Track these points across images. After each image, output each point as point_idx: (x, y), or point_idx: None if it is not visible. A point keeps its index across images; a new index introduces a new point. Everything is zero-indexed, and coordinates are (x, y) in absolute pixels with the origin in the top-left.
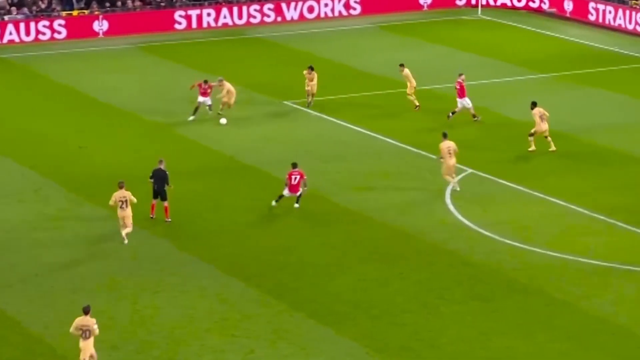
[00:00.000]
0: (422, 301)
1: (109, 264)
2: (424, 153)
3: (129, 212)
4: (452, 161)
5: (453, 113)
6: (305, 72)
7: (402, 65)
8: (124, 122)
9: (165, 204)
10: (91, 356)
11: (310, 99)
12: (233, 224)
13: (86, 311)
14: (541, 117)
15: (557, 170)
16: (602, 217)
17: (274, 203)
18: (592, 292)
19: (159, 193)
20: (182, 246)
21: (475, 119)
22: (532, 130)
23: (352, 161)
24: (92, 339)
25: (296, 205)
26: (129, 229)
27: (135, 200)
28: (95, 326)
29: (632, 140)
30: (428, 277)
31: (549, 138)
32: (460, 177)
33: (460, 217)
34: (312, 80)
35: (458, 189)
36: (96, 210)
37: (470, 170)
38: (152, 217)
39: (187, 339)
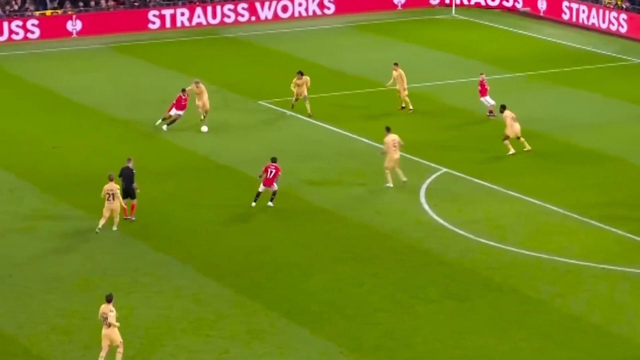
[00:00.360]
0: (397, 300)
1: (84, 264)
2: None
3: (116, 204)
4: (397, 155)
5: (490, 112)
6: (295, 79)
7: (396, 64)
8: (98, 122)
9: (134, 202)
10: (116, 345)
11: (294, 102)
12: (208, 224)
13: (108, 299)
14: (513, 119)
15: (532, 170)
16: (576, 216)
17: (253, 204)
18: (566, 290)
19: (127, 192)
20: (156, 246)
21: (489, 115)
22: (505, 134)
23: (326, 160)
24: (113, 328)
25: (270, 204)
26: (116, 220)
27: (120, 194)
28: (112, 314)
29: (606, 139)
30: (402, 277)
31: (522, 138)
32: (434, 176)
33: (434, 216)
34: (301, 86)
35: (404, 179)
36: (70, 210)
37: (444, 170)
38: (125, 218)
39: (161, 339)
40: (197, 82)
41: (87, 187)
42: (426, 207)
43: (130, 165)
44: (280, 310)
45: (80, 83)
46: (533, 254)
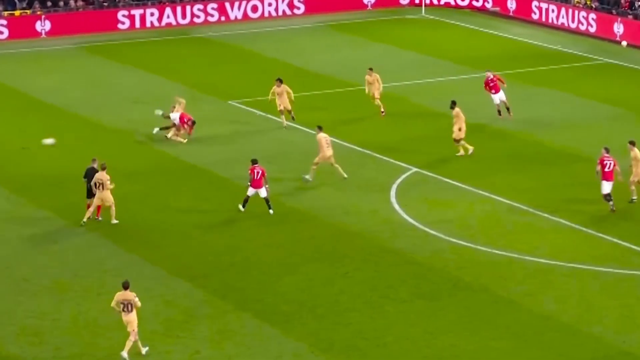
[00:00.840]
0: (367, 300)
1: (53, 265)
2: (368, 152)
3: (106, 194)
4: (330, 152)
5: (508, 109)
6: (274, 87)
7: (371, 69)
8: (67, 122)
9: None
10: (132, 330)
11: (284, 117)
12: (178, 225)
13: (125, 286)
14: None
15: (502, 169)
16: (546, 215)
17: (241, 208)
18: (536, 290)
19: (91, 191)
20: (126, 247)
21: (511, 114)
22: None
23: (297, 160)
24: (134, 312)
25: (270, 211)
26: (113, 211)
27: (109, 184)
28: (136, 299)
29: (576, 139)
30: (373, 276)
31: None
32: (404, 175)
33: (405, 215)
34: (281, 94)
35: (309, 177)
36: (39, 212)
37: (414, 169)
38: (85, 220)
39: None
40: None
41: (57, 188)
42: (396, 206)
43: (96, 165)
44: (251, 310)
45: (50, 83)
46: (503, 253)
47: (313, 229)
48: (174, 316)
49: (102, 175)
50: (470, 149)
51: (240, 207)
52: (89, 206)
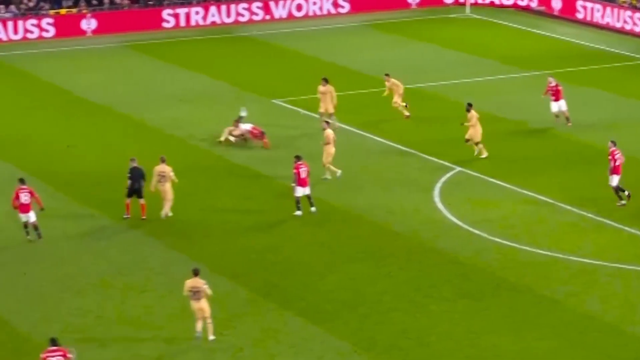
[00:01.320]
0: (410, 299)
1: (97, 263)
2: (411, 151)
3: (167, 187)
4: (333, 149)
5: (567, 118)
6: (319, 86)
7: (387, 75)
8: (111, 120)
9: (142, 201)
10: (207, 316)
11: (330, 119)
12: (221, 223)
13: (196, 273)
14: (478, 120)
15: (546, 169)
16: (590, 215)
17: (298, 212)
18: (580, 290)
19: (137, 191)
20: (170, 245)
21: (569, 123)
22: (468, 136)
23: (340, 159)
24: (204, 300)
25: (313, 209)
26: (168, 203)
27: (174, 177)
28: (206, 286)
29: (620, 138)
30: (416, 276)
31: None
32: (448, 175)
33: (448, 215)
34: (325, 94)
35: (330, 177)
36: (84, 209)
37: (458, 169)
38: (127, 217)
39: (175, 338)
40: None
41: (101, 186)
42: (440, 206)
43: (136, 164)
44: (294, 309)
45: (95, 82)
46: (547, 253)
47: (356, 228)
48: (217, 314)
49: (164, 168)
50: (485, 153)
51: (297, 212)
52: (127, 206)
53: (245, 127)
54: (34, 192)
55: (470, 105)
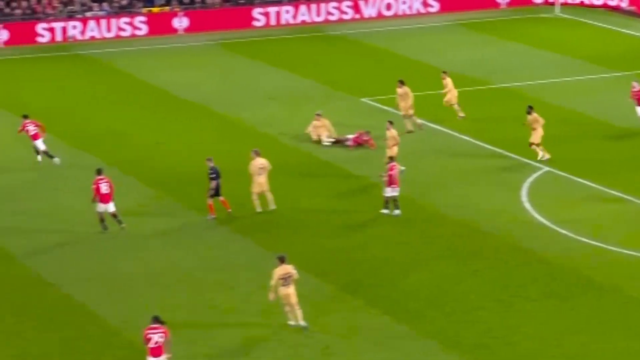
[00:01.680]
0: (497, 298)
1: (186, 259)
2: (499, 150)
3: (264, 179)
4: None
5: None
6: (397, 88)
7: (445, 72)
8: (202, 118)
9: (222, 198)
10: (296, 302)
11: (415, 118)
12: (308, 220)
13: (282, 260)
14: (539, 124)
15: (633, 169)
16: None
17: (385, 211)
18: None
19: (218, 190)
20: (259, 242)
21: None
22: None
23: (427, 159)
24: (293, 286)
25: (397, 211)
26: (270, 195)
27: (270, 166)
28: (295, 271)
29: None
30: (503, 275)
31: (541, 146)
32: (536, 175)
33: (535, 214)
34: (403, 96)
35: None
36: (174, 205)
37: (546, 169)
38: (213, 217)
39: (263, 334)
40: (318, 115)
41: (191, 183)
42: (527, 205)
43: (212, 163)
44: (380, 307)
45: (186, 80)
46: (635, 253)
47: (442, 227)
48: (305, 311)
49: (262, 161)
50: (547, 155)
51: (384, 210)
52: (211, 206)
53: (348, 136)
54: (111, 182)
55: (531, 107)
